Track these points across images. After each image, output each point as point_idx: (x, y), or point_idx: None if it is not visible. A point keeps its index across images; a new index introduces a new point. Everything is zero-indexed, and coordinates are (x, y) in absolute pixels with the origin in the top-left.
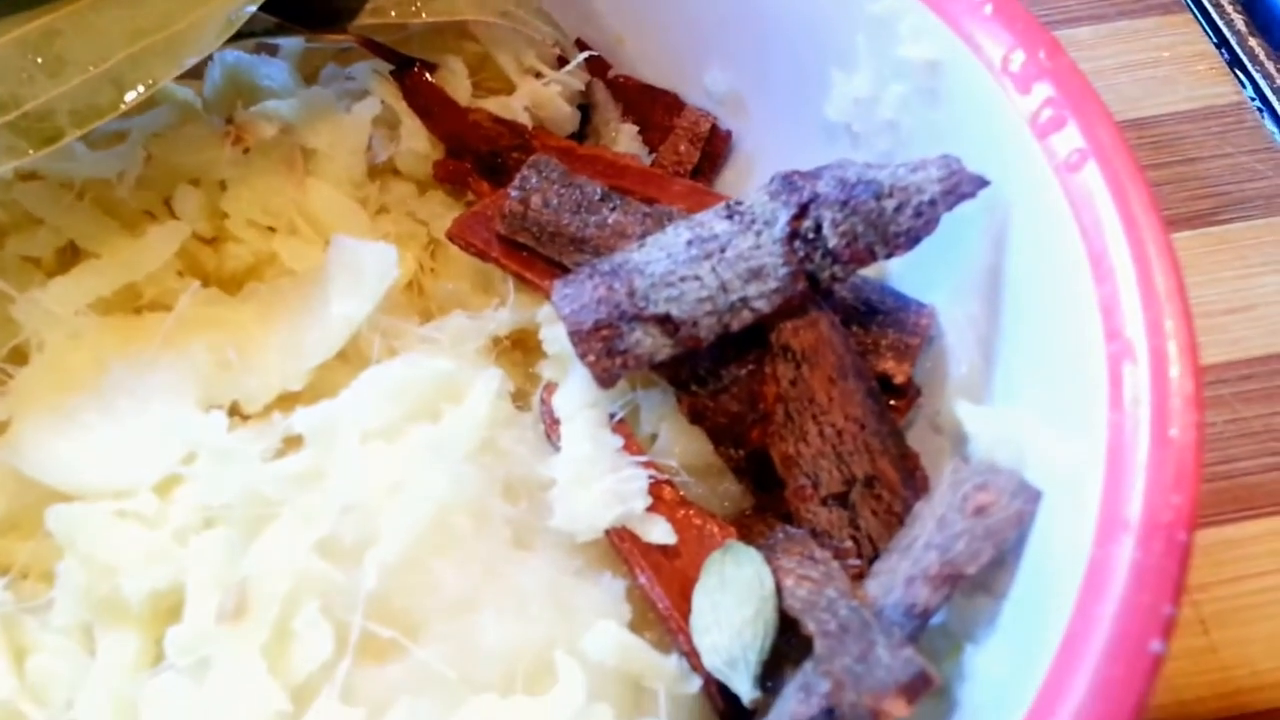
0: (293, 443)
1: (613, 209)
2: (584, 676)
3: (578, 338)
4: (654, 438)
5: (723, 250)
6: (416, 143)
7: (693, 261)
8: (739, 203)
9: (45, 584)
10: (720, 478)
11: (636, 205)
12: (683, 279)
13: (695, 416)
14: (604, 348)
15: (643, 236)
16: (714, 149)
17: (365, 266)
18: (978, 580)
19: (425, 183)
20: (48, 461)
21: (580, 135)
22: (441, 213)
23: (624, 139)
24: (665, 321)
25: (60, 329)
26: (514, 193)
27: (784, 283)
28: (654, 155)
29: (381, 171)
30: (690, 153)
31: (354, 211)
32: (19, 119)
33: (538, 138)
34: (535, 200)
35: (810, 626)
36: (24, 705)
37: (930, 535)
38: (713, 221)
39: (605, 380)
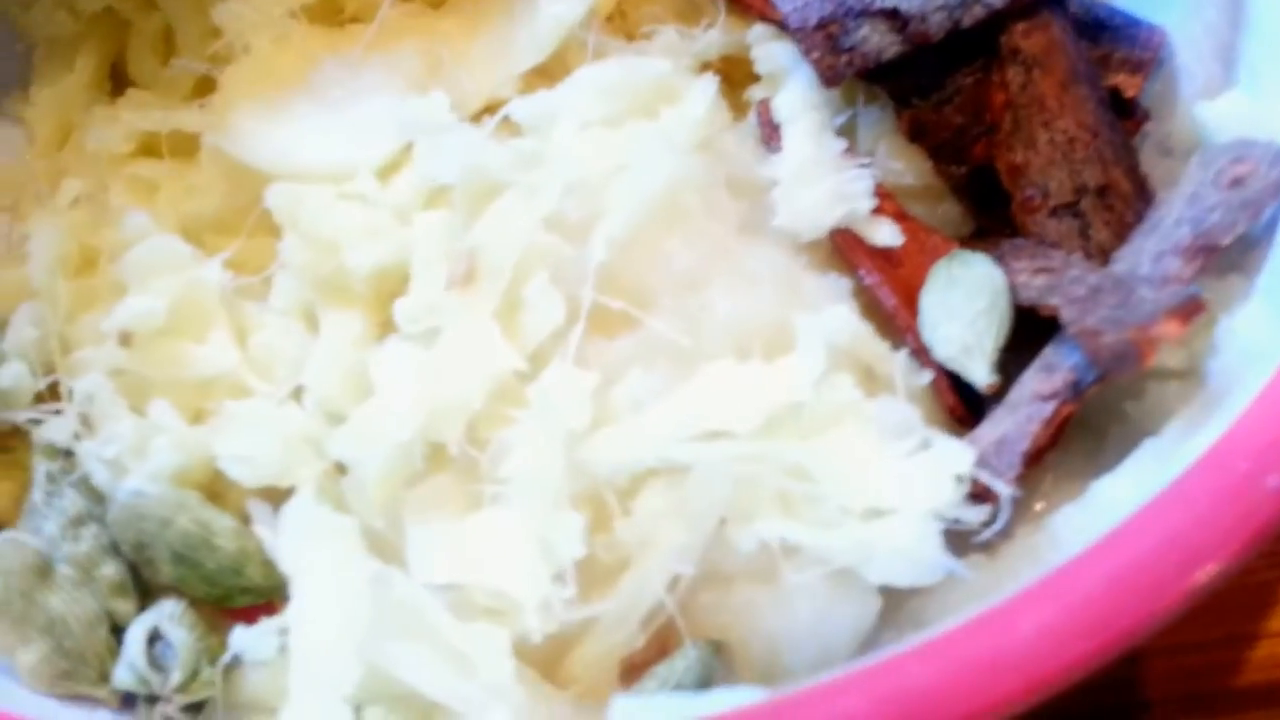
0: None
1: None
2: (824, 345)
3: (802, 34)
4: (871, 156)
5: None
6: None
7: None
8: None
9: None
10: (939, 199)
11: None
12: None
13: (915, 132)
14: (829, 44)
15: None
16: None
17: None
18: (1231, 258)
19: None
20: (262, 146)
21: None
22: None
23: None
24: (893, 16)
25: (265, 32)
26: None
27: None
28: None
29: None
30: None
31: None
32: None
33: None
34: None
35: (1054, 301)
36: (248, 377)
37: (1180, 212)
38: None
39: (830, 79)
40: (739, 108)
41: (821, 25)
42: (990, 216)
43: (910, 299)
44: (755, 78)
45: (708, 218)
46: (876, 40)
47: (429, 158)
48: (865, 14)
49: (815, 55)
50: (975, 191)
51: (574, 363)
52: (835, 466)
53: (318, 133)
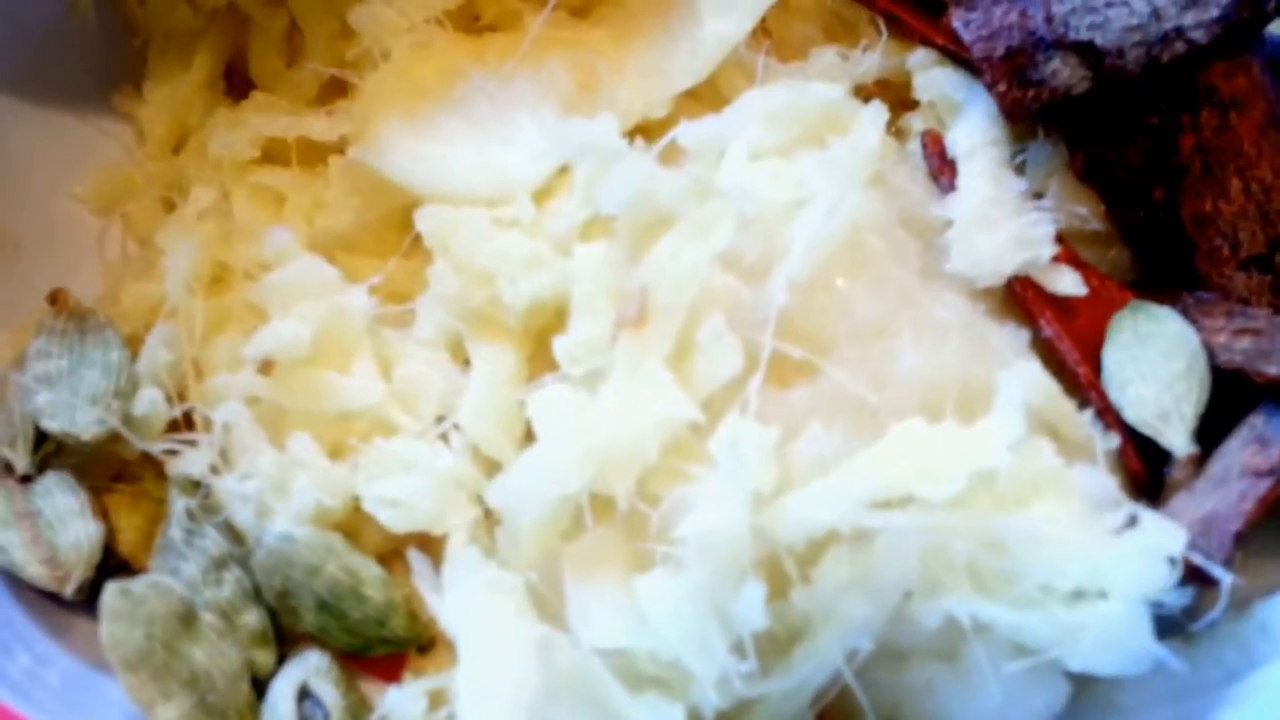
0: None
1: None
2: (1024, 406)
3: (987, 65)
4: (1038, 196)
5: None
6: None
7: None
8: None
9: (401, 301)
10: (1108, 244)
11: None
12: (1109, 4)
13: (1091, 172)
14: (1016, 76)
15: None
16: None
17: None
18: None
19: None
20: (412, 165)
21: None
22: None
23: None
24: (1087, 50)
25: (406, 38)
26: None
27: (1227, 9)
28: None
29: None
30: None
31: None
32: None
33: None
34: None
35: (1272, 371)
36: (393, 412)
37: None
38: None
39: (1015, 114)
40: (898, 134)
41: (1010, 56)
42: (1162, 264)
43: (1087, 351)
44: (911, 103)
45: (891, 260)
46: (1067, 75)
47: (595, 185)
48: (1058, 46)
49: (1001, 88)
50: (1150, 237)
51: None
52: (1035, 541)
53: (469, 151)
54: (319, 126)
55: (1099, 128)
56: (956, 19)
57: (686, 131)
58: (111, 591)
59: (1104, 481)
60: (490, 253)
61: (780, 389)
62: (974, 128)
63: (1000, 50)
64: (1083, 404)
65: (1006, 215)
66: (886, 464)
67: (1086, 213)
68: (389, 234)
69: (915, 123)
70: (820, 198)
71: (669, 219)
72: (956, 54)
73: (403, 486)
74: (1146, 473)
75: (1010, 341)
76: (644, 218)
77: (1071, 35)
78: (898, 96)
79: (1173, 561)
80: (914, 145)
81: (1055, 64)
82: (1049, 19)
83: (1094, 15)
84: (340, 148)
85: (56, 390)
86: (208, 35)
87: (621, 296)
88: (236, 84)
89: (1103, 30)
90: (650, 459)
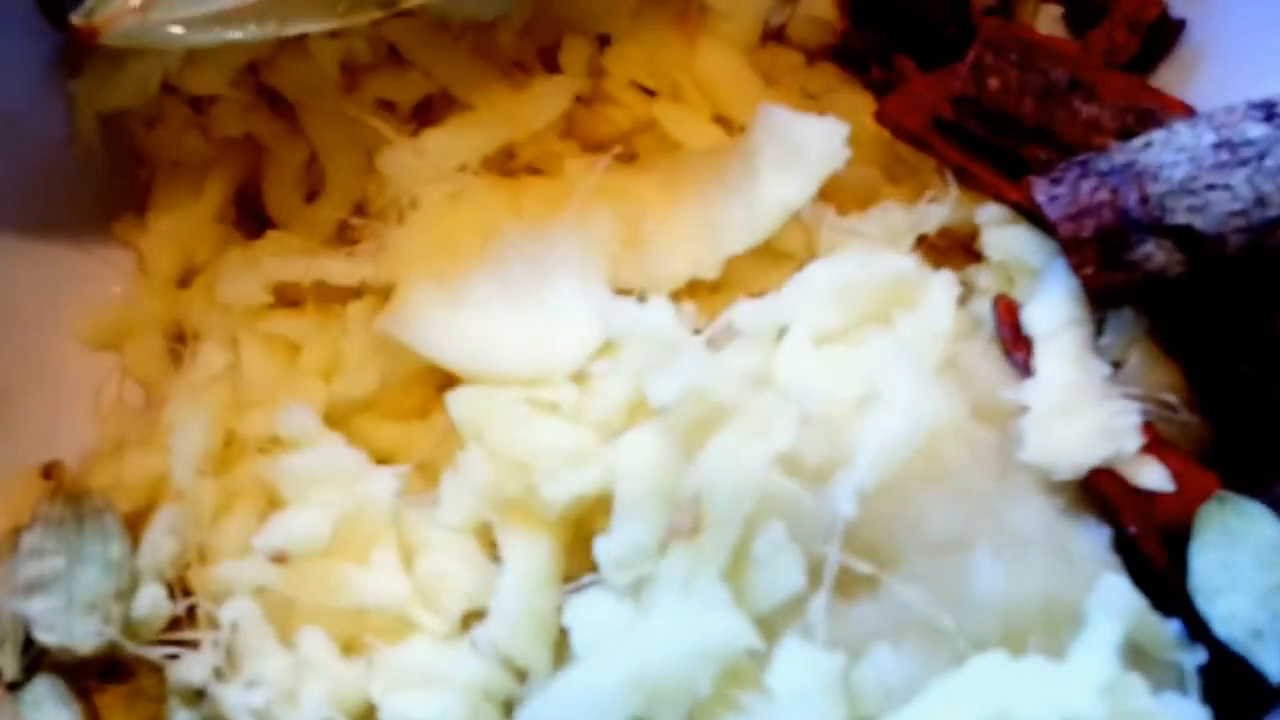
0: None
1: (1086, 99)
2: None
3: (1072, 245)
4: (1116, 365)
5: (1261, 158)
6: (819, 7)
7: (1221, 168)
8: (1275, 103)
9: (426, 475)
10: (1186, 422)
11: (1110, 99)
12: (1209, 187)
13: (1174, 345)
14: (1106, 259)
15: (1121, 135)
16: (1160, 39)
17: (804, 144)
18: None
19: (814, 53)
20: (444, 340)
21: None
22: (835, 87)
23: (1045, 20)
24: (1184, 234)
25: (438, 186)
26: (968, 73)
27: None
28: (1080, 42)
29: (765, 37)
30: (1130, 42)
31: (749, 79)
32: None
33: (980, 14)
34: (993, 83)
35: None
36: (415, 610)
37: None
38: (1244, 124)
39: (1101, 297)
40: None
41: (1099, 237)
42: (1246, 447)
43: (1172, 546)
44: (975, 253)
45: (968, 465)
46: (1161, 259)
47: (645, 373)
48: (1153, 229)
49: (1088, 271)
50: (1233, 416)
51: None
52: None
53: (506, 326)
54: (339, 270)
55: (1189, 306)
56: (1040, 192)
57: (744, 313)
58: None
59: (1196, 713)
60: (527, 443)
61: (843, 603)
62: (1054, 304)
63: (1089, 232)
64: (1167, 612)
65: (1088, 403)
66: (965, 702)
67: (1168, 389)
68: (414, 392)
69: (981, 278)
70: (891, 397)
71: (723, 412)
72: (1032, 214)
73: (425, 704)
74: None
75: (1093, 546)
76: (697, 411)
77: (1168, 219)
78: (960, 243)
79: None
80: (980, 306)
81: (1149, 247)
82: (1144, 200)
83: (1193, 198)
84: (359, 292)
85: (52, 595)
86: (219, 165)
87: (671, 500)
88: (248, 216)
89: (1202, 214)
90: (702, 690)
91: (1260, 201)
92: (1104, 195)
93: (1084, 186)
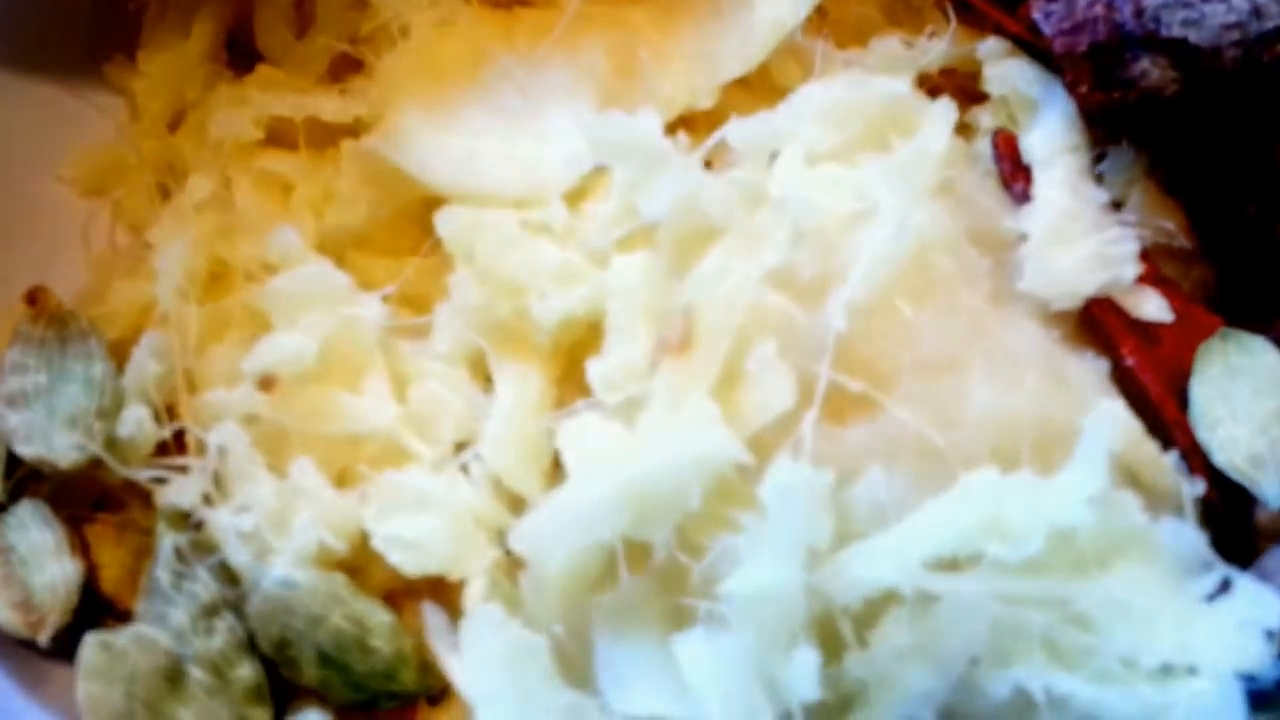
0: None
1: None
2: (1107, 456)
3: (1069, 62)
4: (1117, 206)
5: None
6: None
7: None
8: None
9: (417, 309)
10: (1191, 262)
11: None
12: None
13: (1177, 183)
14: (1100, 76)
15: None
16: None
17: None
18: None
19: None
20: (434, 159)
21: None
22: None
23: None
24: (1179, 49)
25: (428, 13)
26: None
27: None
28: None
29: None
30: None
31: None
32: None
33: None
34: None
35: None
36: (407, 437)
37: None
38: None
39: (1097, 116)
40: (963, 130)
41: (1094, 52)
42: (1251, 286)
43: (1173, 384)
44: (979, 95)
45: (961, 283)
46: (1157, 76)
47: (636, 190)
48: (1148, 43)
49: (1083, 89)
50: (1237, 256)
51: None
52: (1118, 610)
53: (497, 146)
54: (331, 107)
55: (1187, 134)
56: (1036, 9)
57: (737, 130)
58: (90, 645)
59: (1192, 538)
60: (518, 262)
61: (836, 425)
62: (1052, 131)
63: (1083, 46)
64: (1166, 444)
65: (1086, 230)
66: (955, 518)
67: (1171, 228)
68: (405, 229)
69: (983, 118)
70: (884, 211)
71: (716, 229)
72: (1033, 46)
73: (416, 526)
74: (1231, 522)
75: (1090, 374)
76: (689, 228)
77: (1163, 32)
78: (963, 86)
79: (1270, 635)
80: (982, 144)
81: (1144, 63)
82: (1138, 13)
83: (1188, 10)
84: (353, 130)
85: (33, 409)
86: (209, 2)
87: (663, 317)
88: (239, 55)
89: (1197, 27)
90: (692, 504)
91: (1256, 13)
92: (1099, 9)
93: (1080, 1)
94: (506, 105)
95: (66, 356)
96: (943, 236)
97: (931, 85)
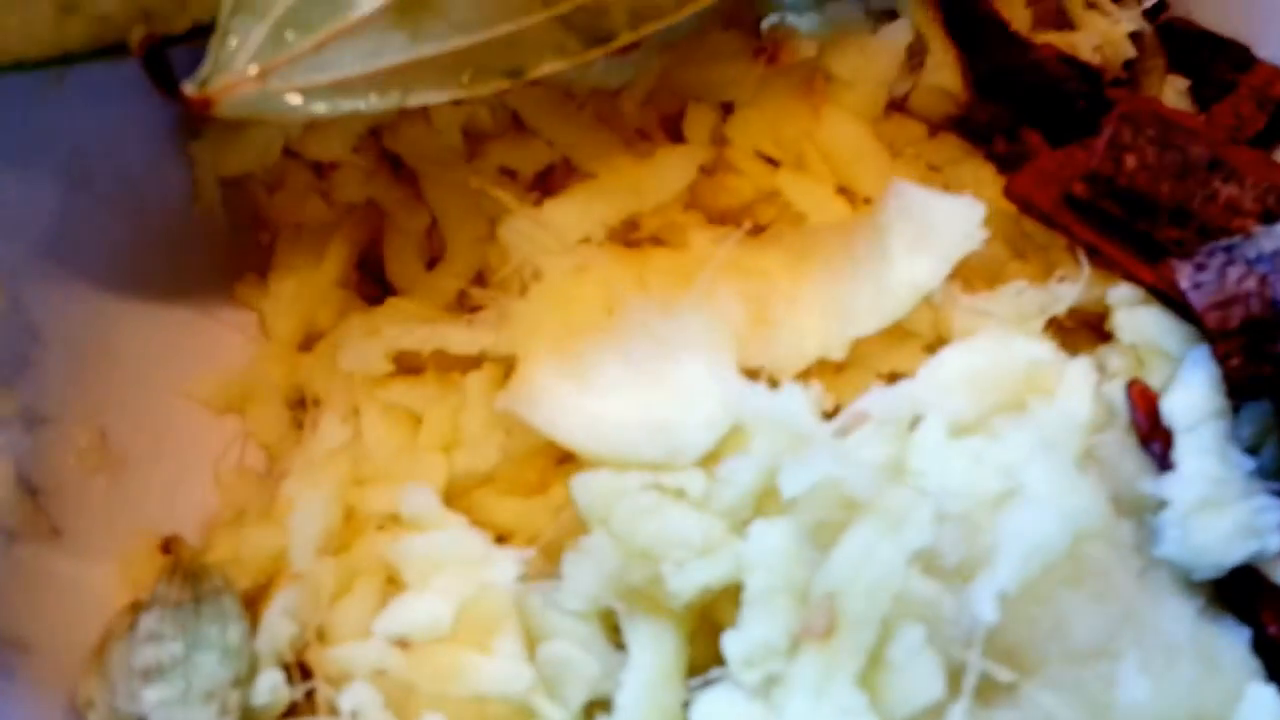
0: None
1: (1225, 179)
2: None
3: (1220, 335)
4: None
5: None
6: (943, 77)
7: None
8: None
9: (547, 555)
10: None
11: (1250, 179)
12: None
13: None
14: (1252, 350)
15: (1262, 217)
16: None
17: (938, 223)
18: None
19: (937, 124)
20: (567, 419)
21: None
22: (958, 159)
23: (1171, 92)
24: None
25: (562, 258)
26: (1105, 150)
27: None
28: (1204, 115)
29: (888, 107)
30: (1256, 116)
31: (874, 150)
32: (573, 13)
33: (1112, 87)
34: (1130, 161)
35: None
36: (537, 699)
37: None
38: None
39: (1246, 389)
40: None
41: (1246, 327)
42: None
43: None
44: (1104, 333)
45: (1112, 566)
46: None
47: (776, 462)
48: None
49: (1234, 363)
50: None
51: None
52: None
53: (632, 409)
54: (459, 339)
55: None
56: (1184, 278)
57: (878, 401)
58: None
59: None
60: (654, 531)
61: (982, 709)
62: (1196, 395)
63: (1235, 321)
64: None
65: (1233, 498)
66: None
67: None
68: (533, 465)
69: (1110, 359)
70: (1034, 495)
71: (856, 505)
72: (1167, 296)
73: None
74: None
75: (1236, 650)
76: (829, 504)
77: None
78: (1086, 322)
79: None
80: (1110, 388)
81: None
82: None
83: None
84: (479, 361)
85: (170, 682)
86: (341, 229)
87: (802, 596)
88: (369, 281)
89: None
90: None
91: None
92: (1252, 284)
93: (1231, 274)
94: (640, 355)
95: (201, 619)
96: (1095, 519)
97: (1056, 324)
